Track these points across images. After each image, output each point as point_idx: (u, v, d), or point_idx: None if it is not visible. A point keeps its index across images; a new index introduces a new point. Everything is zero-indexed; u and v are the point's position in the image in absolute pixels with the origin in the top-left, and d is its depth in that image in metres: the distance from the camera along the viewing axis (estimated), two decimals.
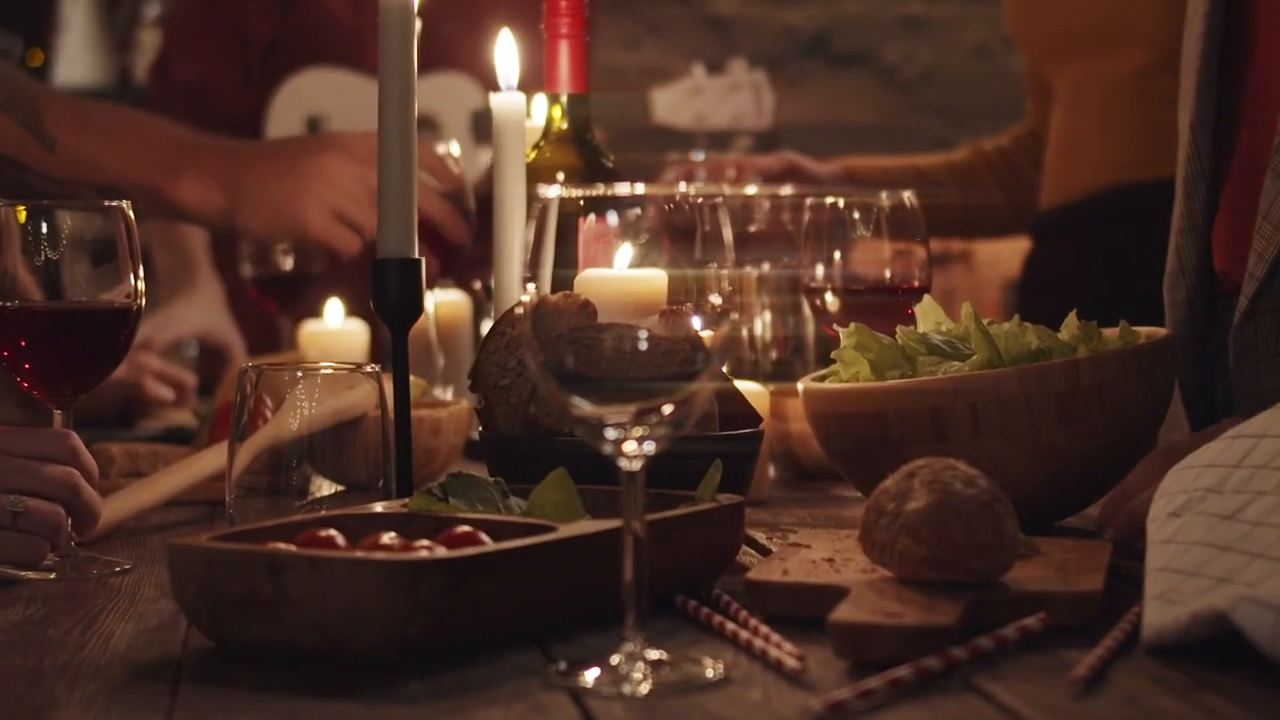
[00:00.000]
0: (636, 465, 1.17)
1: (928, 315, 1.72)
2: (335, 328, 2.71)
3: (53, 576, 1.52)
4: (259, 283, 3.00)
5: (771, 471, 1.98)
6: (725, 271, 1.18)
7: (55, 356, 1.60)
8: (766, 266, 2.25)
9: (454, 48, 2.28)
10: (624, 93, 3.68)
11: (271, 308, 3.02)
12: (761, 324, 2.24)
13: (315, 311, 2.78)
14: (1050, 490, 1.63)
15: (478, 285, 2.47)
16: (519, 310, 1.66)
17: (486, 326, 2.44)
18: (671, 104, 3.40)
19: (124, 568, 1.56)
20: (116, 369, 1.65)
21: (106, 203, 1.61)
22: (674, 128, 3.54)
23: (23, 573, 1.51)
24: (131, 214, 1.61)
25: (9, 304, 1.58)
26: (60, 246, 1.60)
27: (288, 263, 2.97)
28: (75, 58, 4.93)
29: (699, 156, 2.93)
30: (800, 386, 1.74)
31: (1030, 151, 2.97)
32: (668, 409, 1.15)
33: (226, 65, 3.58)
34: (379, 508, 1.41)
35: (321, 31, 2.96)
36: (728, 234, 1.19)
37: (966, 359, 1.65)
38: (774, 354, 2.27)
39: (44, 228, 1.59)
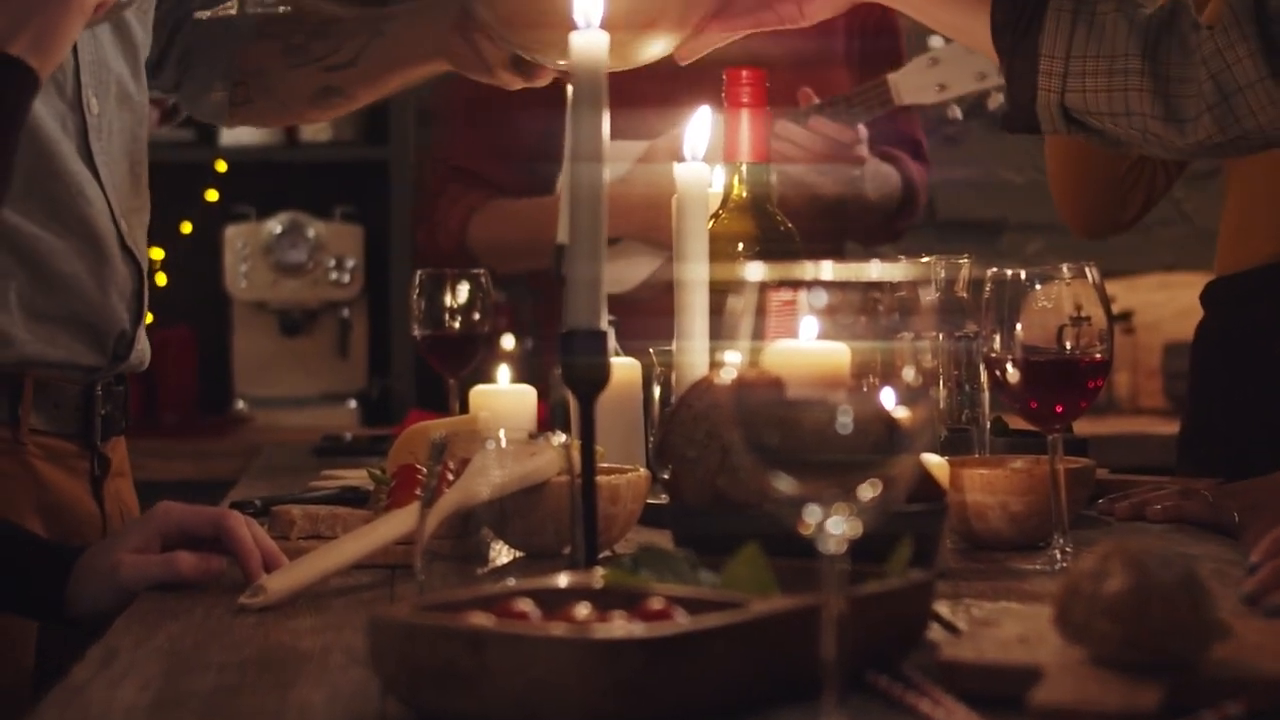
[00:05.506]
0: (839, 547, 1.16)
1: None
2: (505, 389, 2.71)
3: None
4: (428, 342, 3.03)
5: (949, 542, 1.96)
6: (924, 345, 1.18)
7: None
8: (940, 336, 2.23)
9: (650, 117, 2.25)
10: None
11: (439, 367, 3.05)
12: (936, 393, 2.23)
13: (485, 374, 2.80)
14: None
15: (651, 351, 2.48)
16: (711, 383, 1.68)
17: (656, 391, 2.46)
18: (912, 83, 3.24)
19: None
20: None
21: None
22: (922, 106, 3.41)
23: None
24: None
25: None
26: None
27: (456, 323, 3.01)
28: None
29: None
30: None
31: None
32: (871, 491, 1.14)
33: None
34: (564, 578, 1.42)
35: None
36: (928, 306, 1.18)
37: None
38: (949, 423, 2.25)
39: None
